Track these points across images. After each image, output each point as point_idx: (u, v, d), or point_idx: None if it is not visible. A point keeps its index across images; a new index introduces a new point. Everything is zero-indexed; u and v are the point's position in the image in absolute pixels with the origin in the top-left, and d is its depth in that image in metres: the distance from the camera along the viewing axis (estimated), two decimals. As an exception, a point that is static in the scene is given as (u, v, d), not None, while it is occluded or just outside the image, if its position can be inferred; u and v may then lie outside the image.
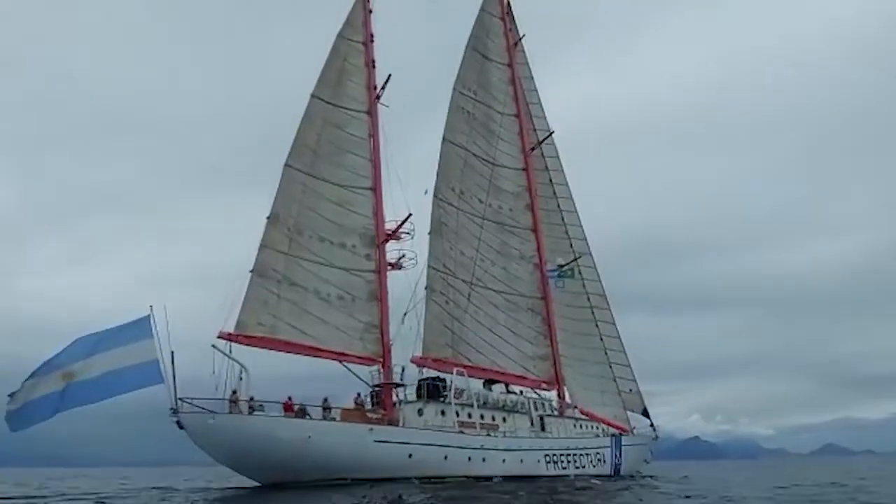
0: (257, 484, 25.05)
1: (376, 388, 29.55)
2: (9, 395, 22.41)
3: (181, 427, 22.76)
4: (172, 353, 22.84)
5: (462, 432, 28.65)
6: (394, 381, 29.61)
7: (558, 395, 37.77)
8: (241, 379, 25.58)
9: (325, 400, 26.50)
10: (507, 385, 34.94)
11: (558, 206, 43.39)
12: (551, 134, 42.83)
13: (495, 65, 42.29)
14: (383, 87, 33.15)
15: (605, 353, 42.55)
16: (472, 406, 30.17)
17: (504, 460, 29.26)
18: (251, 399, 25.05)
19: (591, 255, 44.15)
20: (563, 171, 44.34)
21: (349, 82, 33.00)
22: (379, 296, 30.63)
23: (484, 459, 28.39)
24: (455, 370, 30.68)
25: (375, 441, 25.32)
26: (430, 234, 34.73)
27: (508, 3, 44.57)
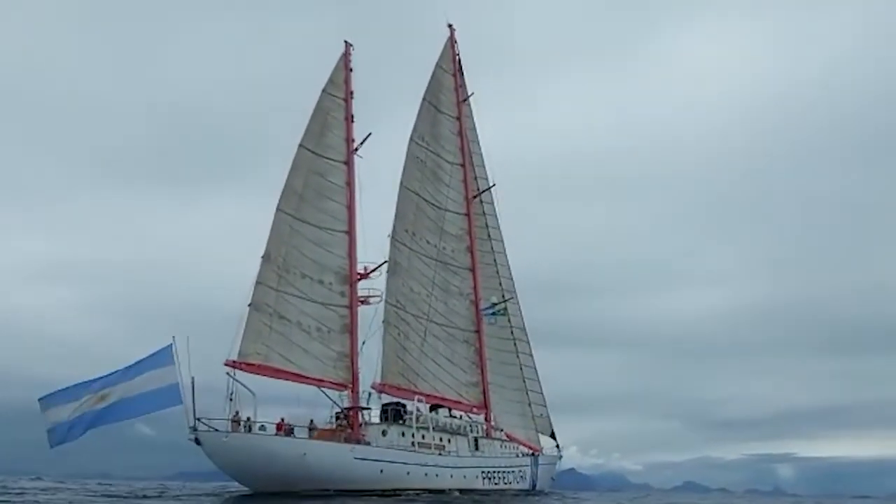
0: (248, 491, 29.72)
1: (345, 410, 34.81)
2: (40, 401, 26.12)
3: (198, 443, 27.22)
4: (193, 378, 27.30)
5: (417, 452, 34.59)
6: (361, 405, 35.05)
7: (485, 419, 44.40)
8: (231, 400, 30.29)
9: (312, 421, 31.70)
10: (450, 409, 41.12)
11: (491, 248, 50.28)
12: (493, 186, 49.63)
13: (446, 117, 48.55)
14: (362, 143, 38.54)
15: (524, 381, 49.82)
16: (426, 429, 36.20)
17: (451, 476, 35.52)
18: (248, 419, 29.82)
19: (515, 291, 51.36)
20: (497, 216, 51.35)
21: (330, 134, 38.13)
22: (350, 329, 35.97)
23: (437, 475, 34.50)
24: (416, 398, 36.58)
25: (355, 458, 30.80)
26: (387, 272, 40.39)
27: (459, 61, 51.07)
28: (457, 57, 51.01)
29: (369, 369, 36.62)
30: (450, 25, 51.40)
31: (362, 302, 37.29)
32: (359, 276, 37.11)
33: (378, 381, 37.20)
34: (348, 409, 34.74)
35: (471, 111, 51.09)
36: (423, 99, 46.89)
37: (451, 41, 51.12)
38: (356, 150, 38.65)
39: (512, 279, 51.06)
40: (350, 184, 38.24)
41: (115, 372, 26.86)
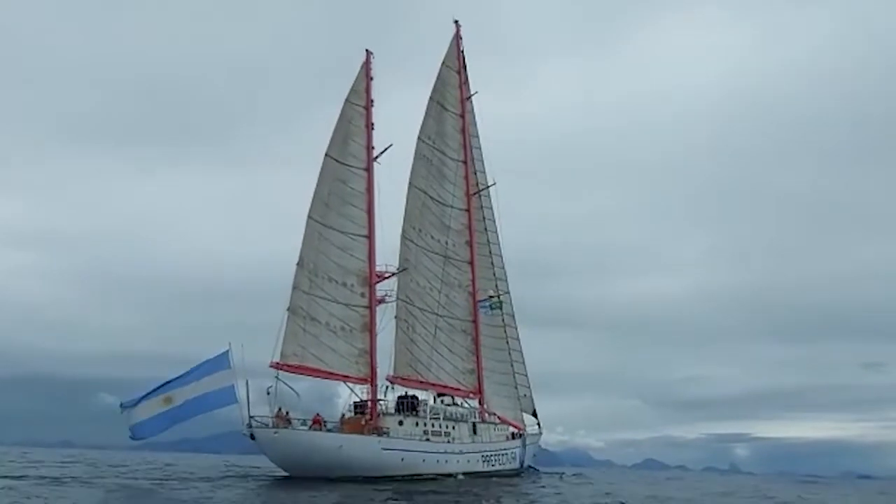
0: (285, 474, 35.12)
1: (363, 402, 40.22)
2: (120, 405, 31.12)
3: (253, 438, 32.42)
4: (247, 381, 32.40)
5: (431, 441, 40.45)
6: (378, 398, 40.54)
7: (479, 403, 50.41)
8: (268, 394, 35.48)
9: (343, 416, 37.12)
10: (452, 397, 46.93)
11: (487, 240, 55.55)
12: (493, 185, 54.56)
13: (450, 114, 52.92)
14: (382, 152, 42.91)
15: (512, 365, 55.94)
16: (437, 418, 42.00)
17: (458, 461, 41.53)
18: (287, 414, 35.10)
19: (506, 280, 57.03)
20: (493, 208, 56.46)
21: (352, 142, 42.38)
22: (369, 327, 41.12)
23: (447, 461, 40.46)
24: (430, 390, 42.21)
25: (382, 449, 36.44)
26: (398, 270, 45.35)
27: (464, 58, 55.19)
28: (461, 54, 55.16)
29: (383, 362, 42.04)
30: (456, 22, 55.35)
31: (380, 301, 42.31)
32: (378, 278, 42.06)
33: (391, 373, 42.64)
34: (366, 401, 40.17)
35: (474, 110, 55.60)
36: (430, 98, 51.19)
37: (457, 38, 55.17)
38: (376, 158, 43.05)
39: (505, 270, 56.69)
40: (369, 189, 42.78)
41: (180, 376, 31.80)
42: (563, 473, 53.37)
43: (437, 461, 39.80)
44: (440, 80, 52.31)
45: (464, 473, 41.07)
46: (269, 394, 35.31)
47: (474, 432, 46.14)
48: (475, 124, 55.68)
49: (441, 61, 53.11)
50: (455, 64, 54.29)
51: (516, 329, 57.55)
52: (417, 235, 47.99)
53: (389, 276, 42.44)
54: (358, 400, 40.36)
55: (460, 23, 55.22)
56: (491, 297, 52.52)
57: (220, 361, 32.14)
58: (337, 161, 41.31)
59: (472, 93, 54.92)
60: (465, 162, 53.42)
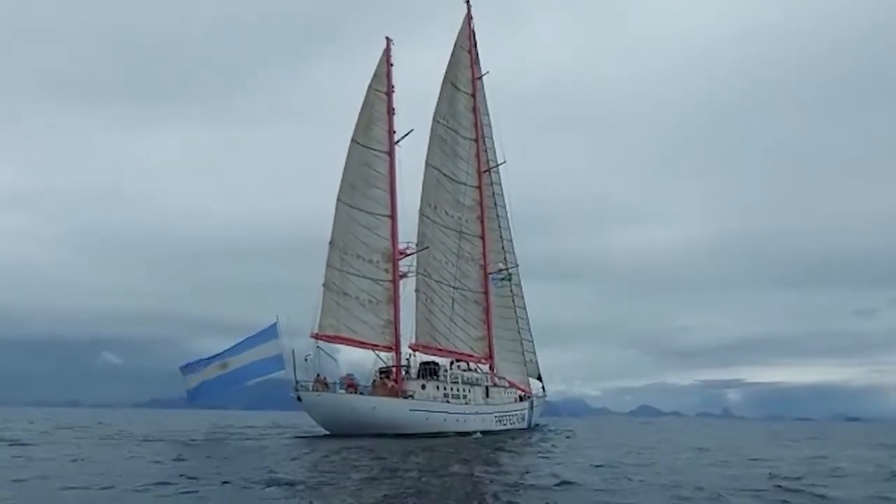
0: (326, 432, 41.09)
1: (389, 367, 46.17)
2: (181, 368, 36.93)
3: (299, 400, 38.34)
4: (293, 350, 38.18)
5: (451, 403, 46.59)
6: (402, 364, 46.51)
7: (490, 368, 56.51)
8: (305, 361, 41.28)
9: (374, 381, 43.09)
10: (468, 363, 52.98)
11: (497, 214, 61.12)
12: (503, 163, 59.89)
13: (462, 94, 57.93)
14: (404, 137, 48.12)
15: (519, 332, 62.01)
16: (456, 382, 48.08)
17: (475, 420, 47.71)
18: (325, 379, 41.01)
19: (514, 253, 62.75)
20: (501, 184, 61.85)
21: (375, 127, 47.49)
22: (393, 300, 46.86)
23: (465, 421, 46.60)
24: (448, 356, 48.22)
25: (410, 410, 42.48)
26: (418, 248, 50.89)
27: (475, 38, 60.00)
28: (472, 33, 59.92)
29: (406, 332, 47.94)
30: (467, 2, 60.04)
31: (403, 276, 47.99)
32: (400, 254, 47.67)
33: (413, 342, 48.56)
34: (391, 366, 46.12)
35: (484, 89, 60.59)
36: (444, 78, 56.17)
37: (468, 17, 59.93)
38: (398, 142, 48.27)
39: (513, 243, 62.36)
40: (391, 172, 48.09)
41: (234, 345, 37.57)
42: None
43: (457, 420, 45.92)
44: (453, 60, 57.16)
45: (480, 432, 47.26)
46: (306, 360, 41.10)
47: (487, 395, 52.30)
48: (485, 102, 60.81)
49: (454, 42, 58.07)
50: (466, 44, 59.10)
51: (523, 299, 63.42)
52: (433, 212, 53.39)
53: (411, 254, 47.96)
54: (383, 366, 46.29)
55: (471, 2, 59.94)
56: (501, 270, 58.34)
57: (269, 333, 37.83)
58: (362, 146, 46.48)
59: (483, 73, 59.96)
60: (476, 140, 58.62)
